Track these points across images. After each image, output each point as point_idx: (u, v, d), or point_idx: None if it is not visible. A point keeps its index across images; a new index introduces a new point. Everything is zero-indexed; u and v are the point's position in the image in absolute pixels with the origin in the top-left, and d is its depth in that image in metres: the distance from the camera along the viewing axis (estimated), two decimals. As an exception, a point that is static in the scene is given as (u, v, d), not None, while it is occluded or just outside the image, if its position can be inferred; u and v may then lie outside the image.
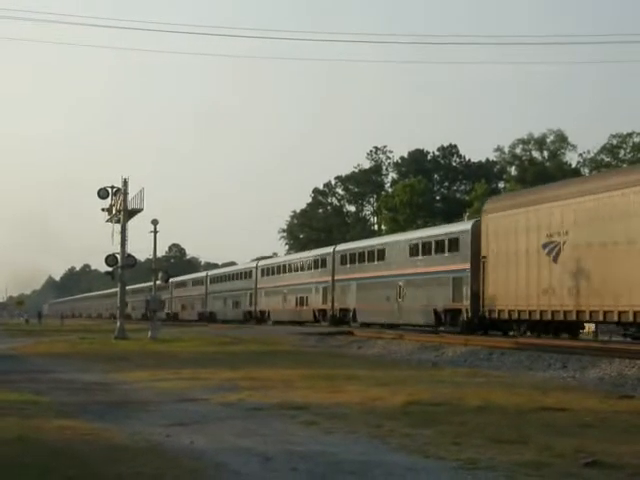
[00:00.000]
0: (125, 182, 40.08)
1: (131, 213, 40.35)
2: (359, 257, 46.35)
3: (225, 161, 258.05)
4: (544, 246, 28.85)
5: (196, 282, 78.84)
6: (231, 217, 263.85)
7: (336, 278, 48.40)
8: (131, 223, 40.58)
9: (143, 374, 18.36)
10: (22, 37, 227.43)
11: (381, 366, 20.69)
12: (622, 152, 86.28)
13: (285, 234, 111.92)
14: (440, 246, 37.02)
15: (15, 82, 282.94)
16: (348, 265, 47.28)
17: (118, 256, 39.69)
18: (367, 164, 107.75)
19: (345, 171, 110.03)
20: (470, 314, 33.17)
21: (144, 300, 71.50)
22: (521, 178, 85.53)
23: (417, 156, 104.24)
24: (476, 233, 33.69)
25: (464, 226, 36.79)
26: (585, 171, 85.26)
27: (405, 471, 7.82)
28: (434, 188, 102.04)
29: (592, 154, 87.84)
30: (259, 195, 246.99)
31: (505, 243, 31.12)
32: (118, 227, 40.12)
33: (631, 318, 24.80)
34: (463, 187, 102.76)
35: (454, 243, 35.79)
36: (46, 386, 15.95)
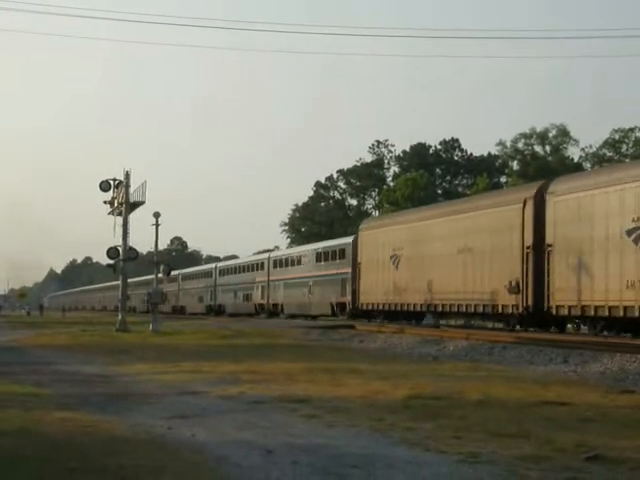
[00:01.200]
0: (127, 175, 40.08)
1: (133, 206, 40.35)
2: (285, 262, 58.65)
3: (227, 154, 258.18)
4: (391, 257, 39.18)
5: (171, 280, 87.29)
6: (233, 210, 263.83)
7: (270, 279, 60.13)
8: (133, 216, 40.66)
9: (144, 366, 18.38)
10: (19, 29, 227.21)
11: (382, 360, 20.71)
12: (624, 147, 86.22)
13: (287, 227, 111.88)
14: (333, 255, 49.14)
15: (10, 74, 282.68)
16: (278, 268, 59.24)
17: (120, 249, 39.72)
18: (369, 158, 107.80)
19: (347, 165, 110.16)
20: (351, 306, 44.15)
21: (132, 294, 77.99)
22: (523, 172, 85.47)
23: (419, 150, 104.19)
24: (355, 245, 44.54)
25: (348, 240, 48.02)
26: (587, 166, 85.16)
27: (406, 464, 7.82)
28: (436, 182, 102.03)
29: (594, 149, 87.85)
30: (261, 188, 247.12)
31: (371, 253, 41.56)
32: (120, 220, 40.16)
33: (441, 309, 34.95)
34: (465, 181, 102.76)
35: (342, 253, 47.64)
36: (47, 378, 15.95)
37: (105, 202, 41.23)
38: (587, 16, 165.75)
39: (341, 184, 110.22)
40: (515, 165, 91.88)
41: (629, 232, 24.64)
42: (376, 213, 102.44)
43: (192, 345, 27.01)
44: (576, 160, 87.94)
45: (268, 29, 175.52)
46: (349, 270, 44.78)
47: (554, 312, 27.86)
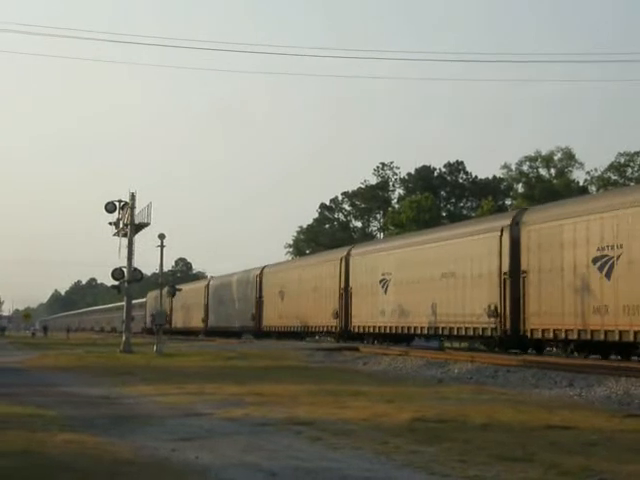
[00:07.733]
0: (133, 196, 40.13)
1: (138, 227, 40.38)
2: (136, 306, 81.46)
3: (232, 176, 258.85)
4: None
5: (141, 305, 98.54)
6: (238, 231, 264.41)
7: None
8: (138, 237, 40.70)
9: (148, 388, 18.34)
10: (28, 51, 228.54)
11: (387, 382, 20.64)
12: (630, 170, 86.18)
13: (291, 249, 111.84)
14: (142, 305, 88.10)
15: (18, 97, 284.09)
16: (137, 308, 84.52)
17: (125, 270, 39.72)
18: (374, 180, 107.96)
19: (352, 187, 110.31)
20: (146, 328, 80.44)
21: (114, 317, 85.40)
22: (529, 195, 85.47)
23: (424, 172, 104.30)
24: (146, 303, 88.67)
25: (145, 299, 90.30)
26: (592, 189, 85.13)
27: (410, 488, 7.80)
28: (441, 205, 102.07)
29: (599, 172, 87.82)
30: (266, 210, 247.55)
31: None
32: (125, 241, 40.20)
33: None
34: (470, 204, 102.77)
35: (143, 304, 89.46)
36: (51, 400, 15.92)
37: (110, 223, 41.23)
38: (595, 40, 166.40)
39: (346, 206, 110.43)
40: (520, 188, 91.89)
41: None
42: (381, 235, 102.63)
43: (196, 367, 26.94)
44: (581, 183, 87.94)
45: (274, 52, 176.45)
46: (144, 313, 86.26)
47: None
